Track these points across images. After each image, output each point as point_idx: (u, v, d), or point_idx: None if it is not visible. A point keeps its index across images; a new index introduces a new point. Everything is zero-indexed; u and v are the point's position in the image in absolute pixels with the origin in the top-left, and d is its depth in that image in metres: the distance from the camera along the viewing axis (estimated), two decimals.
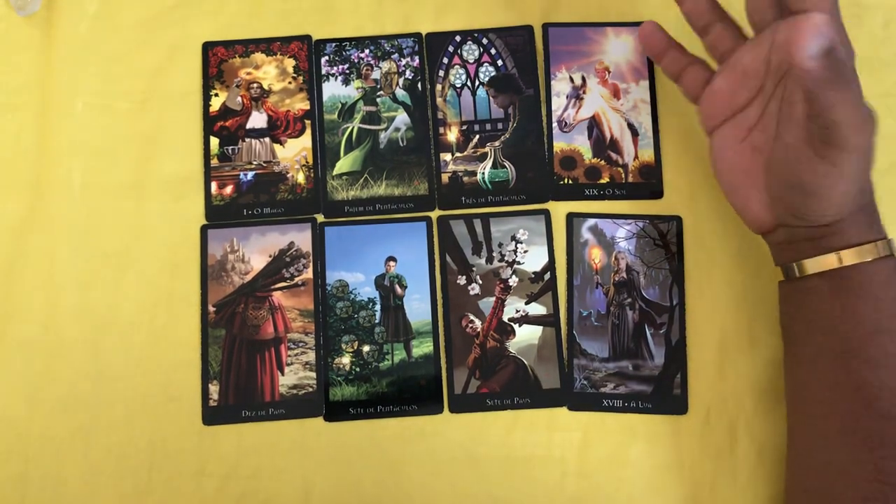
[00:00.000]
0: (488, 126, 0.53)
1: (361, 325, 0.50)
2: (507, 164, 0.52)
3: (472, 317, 0.50)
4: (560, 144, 0.53)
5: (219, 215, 0.51)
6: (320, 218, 0.51)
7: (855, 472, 0.39)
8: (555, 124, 0.53)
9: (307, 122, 0.53)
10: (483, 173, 0.52)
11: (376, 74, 0.54)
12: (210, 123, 0.53)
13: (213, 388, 0.49)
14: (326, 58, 0.54)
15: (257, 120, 0.53)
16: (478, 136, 0.53)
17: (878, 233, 0.41)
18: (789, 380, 0.45)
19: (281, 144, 0.53)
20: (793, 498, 0.44)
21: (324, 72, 0.54)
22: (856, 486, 0.39)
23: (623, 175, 0.52)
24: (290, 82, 0.53)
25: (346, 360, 0.50)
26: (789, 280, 0.44)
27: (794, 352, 0.44)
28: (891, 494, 0.38)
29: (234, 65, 0.53)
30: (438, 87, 0.53)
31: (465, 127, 0.53)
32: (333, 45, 0.54)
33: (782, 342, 0.45)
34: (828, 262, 0.41)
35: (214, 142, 0.52)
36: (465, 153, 0.53)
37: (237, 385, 0.49)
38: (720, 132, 0.45)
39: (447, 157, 0.52)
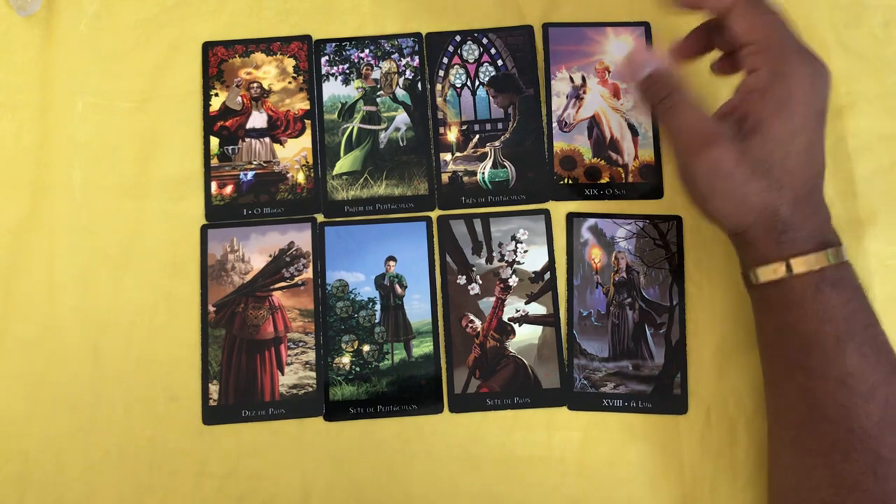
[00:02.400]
0: (488, 126, 0.53)
1: (361, 324, 0.50)
2: (507, 163, 0.52)
3: (472, 317, 0.50)
4: (560, 144, 0.53)
5: (219, 215, 0.51)
6: (320, 218, 0.51)
7: (815, 478, 0.40)
8: (555, 124, 0.53)
9: (307, 121, 0.53)
10: (483, 173, 0.52)
11: (376, 74, 0.54)
12: (210, 123, 0.53)
13: (213, 388, 0.49)
14: (326, 58, 0.54)
15: (257, 120, 0.53)
16: (478, 136, 0.53)
17: (788, 251, 0.41)
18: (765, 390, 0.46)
19: (281, 144, 0.53)
20: None
21: (324, 72, 0.54)
22: (817, 490, 0.40)
23: (623, 175, 0.52)
24: (290, 82, 0.53)
25: (346, 359, 0.50)
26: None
27: (761, 361, 0.45)
28: (848, 498, 0.38)
29: (234, 65, 0.53)
30: (438, 86, 0.53)
31: (465, 127, 0.53)
32: (333, 45, 0.54)
33: None
34: (750, 276, 0.43)
35: (214, 142, 0.52)
36: (465, 153, 0.53)
37: (237, 385, 0.49)
38: None
39: (447, 156, 0.52)
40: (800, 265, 0.40)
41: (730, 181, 0.41)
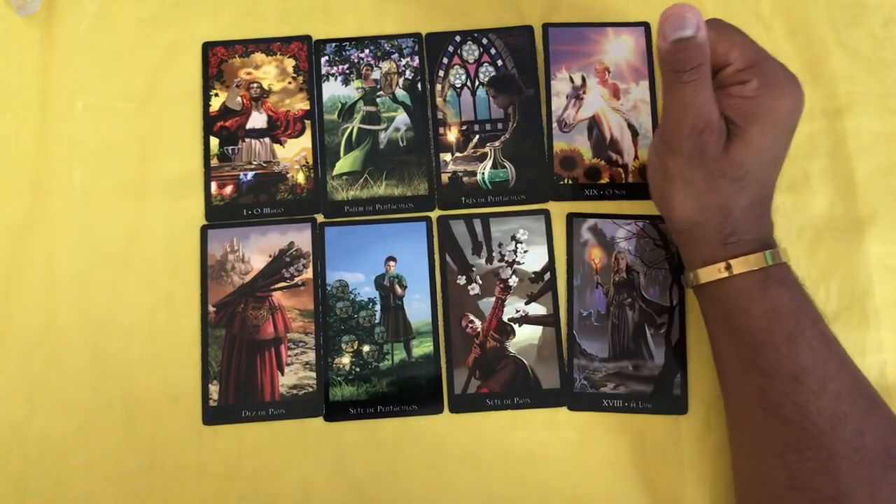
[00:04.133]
0: (488, 126, 0.53)
1: (361, 325, 0.50)
2: (507, 164, 0.52)
3: (472, 317, 0.50)
4: (560, 144, 0.52)
5: (219, 215, 0.51)
6: (320, 218, 0.51)
7: (771, 479, 0.40)
8: (555, 124, 0.53)
9: (307, 122, 0.53)
10: (483, 173, 0.52)
11: (376, 74, 0.54)
12: (210, 123, 0.53)
13: (214, 388, 0.49)
14: (326, 58, 0.54)
15: (257, 120, 0.53)
16: (478, 137, 0.53)
17: (731, 252, 0.42)
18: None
19: (281, 144, 0.53)
20: None
21: (324, 72, 0.54)
22: (774, 492, 0.40)
23: (623, 175, 0.52)
24: (290, 82, 0.53)
25: (346, 360, 0.50)
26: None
27: (715, 363, 0.46)
28: (802, 498, 0.38)
29: (234, 65, 0.53)
30: (438, 87, 0.53)
31: (465, 127, 0.53)
32: (333, 45, 0.54)
33: None
34: (691, 277, 0.44)
35: (214, 142, 0.52)
36: (465, 153, 0.53)
37: (237, 385, 0.49)
38: None
39: (447, 157, 0.52)
40: (740, 265, 0.41)
41: (700, 173, 0.41)
